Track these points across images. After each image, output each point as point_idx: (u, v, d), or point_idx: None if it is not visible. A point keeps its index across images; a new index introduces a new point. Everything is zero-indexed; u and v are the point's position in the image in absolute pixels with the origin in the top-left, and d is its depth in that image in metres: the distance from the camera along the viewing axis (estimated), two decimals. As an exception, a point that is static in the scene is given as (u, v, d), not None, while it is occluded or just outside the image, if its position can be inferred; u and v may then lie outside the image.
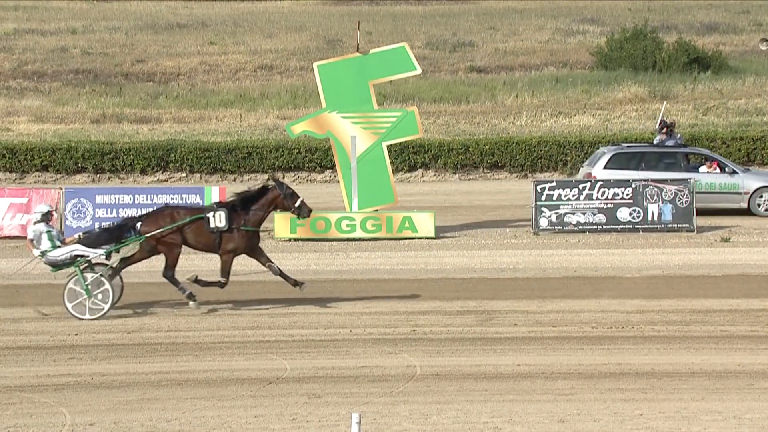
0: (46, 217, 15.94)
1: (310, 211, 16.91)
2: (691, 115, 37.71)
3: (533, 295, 17.22)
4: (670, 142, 25.61)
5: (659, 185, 22.94)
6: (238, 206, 16.35)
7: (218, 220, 16.09)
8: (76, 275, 15.70)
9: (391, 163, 24.64)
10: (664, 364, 13.30)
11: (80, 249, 15.81)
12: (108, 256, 16.10)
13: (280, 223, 22.78)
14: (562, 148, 31.47)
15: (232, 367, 13.29)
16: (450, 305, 16.52)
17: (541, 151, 31.43)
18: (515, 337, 14.71)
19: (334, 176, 29.46)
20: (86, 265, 15.81)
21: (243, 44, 50.51)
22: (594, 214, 22.78)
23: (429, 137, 32.63)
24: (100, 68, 46.84)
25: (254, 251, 16.55)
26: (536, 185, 23.03)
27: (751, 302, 16.62)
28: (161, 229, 16.09)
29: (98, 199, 23.06)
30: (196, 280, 16.22)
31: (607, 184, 23.06)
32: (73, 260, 15.79)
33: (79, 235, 16.23)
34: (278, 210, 17.05)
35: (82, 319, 15.66)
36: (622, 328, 15.14)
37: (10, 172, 31.27)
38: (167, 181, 31.19)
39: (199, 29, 53.88)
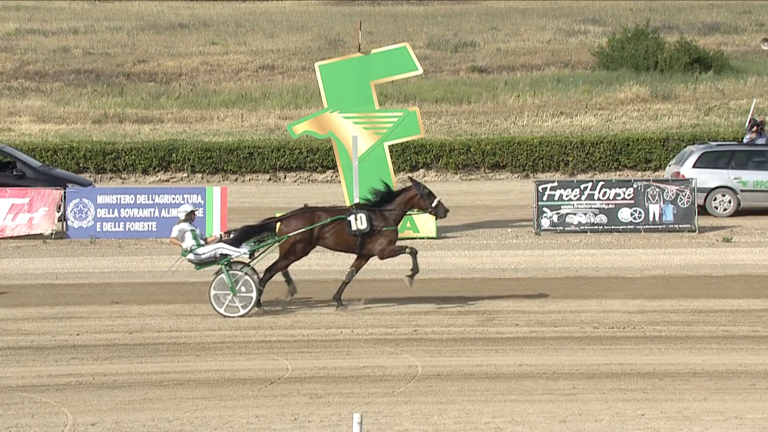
0: (190, 217, 16.07)
1: (447, 210, 16.84)
2: (692, 116, 37.71)
3: (535, 295, 17.22)
4: (761, 141, 25.55)
5: (661, 185, 22.94)
6: (376, 207, 16.35)
7: (359, 222, 16.13)
8: (222, 273, 15.79)
9: (393, 163, 24.65)
10: (665, 364, 13.30)
11: (224, 248, 15.91)
12: (251, 255, 16.10)
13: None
14: (564, 149, 31.47)
15: (234, 367, 13.29)
16: (451, 305, 16.52)
17: (542, 151, 31.44)
18: (517, 337, 14.71)
19: (336, 176, 29.47)
20: (228, 263, 15.89)
21: (244, 44, 50.53)
22: (595, 215, 22.78)
23: (430, 137, 32.64)
24: (101, 68, 46.86)
25: (390, 252, 16.54)
26: (538, 185, 23.03)
27: (752, 302, 16.61)
28: (300, 230, 16.09)
29: (100, 199, 23.07)
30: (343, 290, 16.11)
31: (609, 184, 23.05)
32: (216, 258, 15.89)
33: (221, 234, 16.32)
34: (415, 210, 16.91)
35: (227, 316, 15.74)
36: (624, 328, 15.13)
37: (12, 172, 31.28)
38: (169, 181, 31.21)
39: (201, 29, 53.90)
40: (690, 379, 12.73)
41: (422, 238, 22.26)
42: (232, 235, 16.21)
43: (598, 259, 20.29)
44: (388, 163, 22.88)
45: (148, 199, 23.16)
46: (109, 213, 23.00)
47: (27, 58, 47.66)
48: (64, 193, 22.89)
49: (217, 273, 15.93)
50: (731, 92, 40.82)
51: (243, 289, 15.84)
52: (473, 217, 25.08)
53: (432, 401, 11.93)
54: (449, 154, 31.50)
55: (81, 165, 31.34)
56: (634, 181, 23.36)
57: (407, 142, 27.18)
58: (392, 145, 23.79)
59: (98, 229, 22.88)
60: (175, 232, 16.07)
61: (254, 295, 15.84)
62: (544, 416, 11.43)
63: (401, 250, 16.39)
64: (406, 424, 11.23)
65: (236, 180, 31.37)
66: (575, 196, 22.77)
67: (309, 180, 31.63)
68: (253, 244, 16.13)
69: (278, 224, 16.34)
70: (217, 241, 16.07)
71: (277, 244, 16.17)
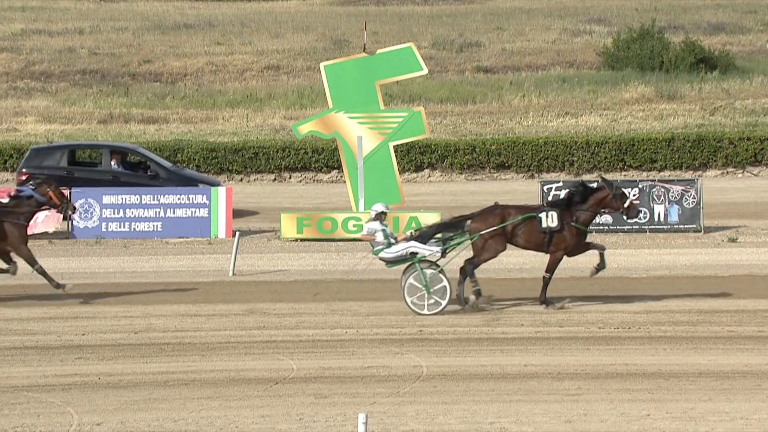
0: (380, 216, 16.20)
1: (639, 212, 16.84)
2: (698, 116, 37.66)
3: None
4: None
5: (666, 185, 22.91)
6: (567, 205, 16.34)
7: (550, 220, 16.12)
8: (416, 271, 15.86)
9: (398, 163, 24.65)
10: (671, 364, 13.28)
11: (415, 246, 16.01)
12: (443, 253, 16.13)
13: (287, 223, 22.79)
14: (569, 149, 31.45)
15: (239, 367, 13.30)
16: (456, 305, 16.51)
17: (547, 151, 31.42)
18: (522, 337, 14.70)
19: (341, 176, 29.47)
20: (420, 260, 15.97)
21: (250, 44, 50.55)
22: (600, 215, 22.73)
23: (436, 137, 32.63)
24: (107, 68, 46.91)
25: (578, 250, 16.56)
26: (543, 185, 23.00)
27: (758, 303, 16.59)
28: (491, 228, 16.09)
29: (105, 199, 23.09)
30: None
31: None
32: (408, 257, 15.98)
33: (411, 233, 16.39)
34: (606, 210, 16.91)
35: (420, 314, 15.81)
36: (629, 328, 15.12)
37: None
38: (174, 181, 31.22)
39: (206, 29, 53.93)
40: (695, 379, 12.71)
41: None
42: (417, 234, 16.26)
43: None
44: (393, 164, 22.88)
45: (154, 200, 23.18)
46: (114, 213, 23.03)
47: (33, 59, 47.72)
48: (69, 192, 22.92)
49: (406, 274, 15.91)
50: (737, 92, 40.76)
51: (436, 286, 15.82)
52: (478, 217, 25.04)
53: (437, 401, 11.93)
54: (454, 154, 31.48)
55: (86, 165, 31.34)
56: (640, 181, 23.32)
57: (412, 142, 27.18)
58: (397, 145, 23.79)
59: (104, 230, 22.90)
60: (366, 229, 16.24)
61: (447, 289, 15.80)
62: (549, 416, 11.42)
63: (589, 247, 16.39)
64: (411, 424, 11.22)
65: (241, 180, 31.38)
66: (580, 196, 22.72)
67: (314, 180, 31.64)
68: (442, 242, 16.15)
69: (469, 222, 16.29)
70: (408, 240, 16.12)
71: (469, 242, 16.16)
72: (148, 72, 46.86)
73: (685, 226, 22.67)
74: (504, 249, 16.38)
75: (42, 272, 16.74)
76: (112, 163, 24.95)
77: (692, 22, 53.77)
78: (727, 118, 37.07)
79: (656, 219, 22.72)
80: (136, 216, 23.06)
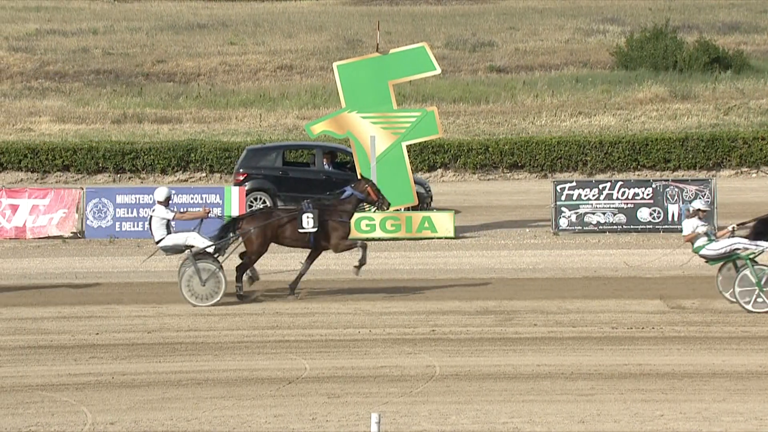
0: (698, 214, 16.11)
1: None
2: (712, 115, 37.55)
3: (553, 295, 17.18)
4: None
5: (680, 185, 22.85)
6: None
7: None
8: (747, 266, 15.82)
9: (411, 163, 24.64)
10: (684, 364, 13.25)
11: (740, 242, 16.03)
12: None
13: (300, 223, 22.79)
14: (582, 148, 31.39)
15: (252, 367, 13.31)
16: (469, 305, 16.51)
17: (561, 151, 31.36)
18: (535, 337, 14.68)
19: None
20: (752, 257, 15.90)
21: (263, 44, 50.61)
22: (614, 214, 22.70)
23: (448, 137, 32.61)
24: (121, 68, 47.03)
25: None
26: (556, 185, 22.98)
27: (772, 303, 16.50)
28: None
29: (119, 199, 23.14)
30: None
31: (628, 183, 22.98)
32: (731, 253, 15.97)
33: (733, 227, 16.30)
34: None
35: (751, 310, 15.65)
36: (643, 328, 15.08)
37: (32, 171, 31.45)
38: (187, 181, 31.29)
39: (220, 29, 54.02)
40: (709, 379, 12.67)
41: (440, 238, 22.24)
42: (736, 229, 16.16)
43: (617, 259, 20.22)
44: (407, 163, 22.87)
45: (167, 199, 23.18)
46: (128, 213, 23.08)
47: (47, 59, 47.88)
48: (83, 192, 22.98)
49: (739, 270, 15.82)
50: (751, 92, 40.61)
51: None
52: (491, 217, 25.04)
53: (450, 401, 11.92)
54: (467, 154, 31.46)
55: (100, 165, 31.46)
56: (653, 181, 23.27)
57: (425, 141, 27.16)
58: (410, 144, 23.77)
59: (117, 229, 22.95)
60: (687, 228, 16.13)
61: None
62: (562, 416, 11.40)
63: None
64: (424, 424, 11.22)
65: (254, 180, 31.39)
66: (594, 196, 22.71)
67: (327, 180, 31.62)
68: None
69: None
70: (730, 236, 16.07)
71: None
72: (162, 72, 46.96)
73: (699, 226, 22.59)
74: None
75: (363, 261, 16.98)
76: (324, 163, 25.04)
77: (706, 22, 53.60)
78: (742, 118, 36.94)
79: (670, 219, 22.66)
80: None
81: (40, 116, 38.84)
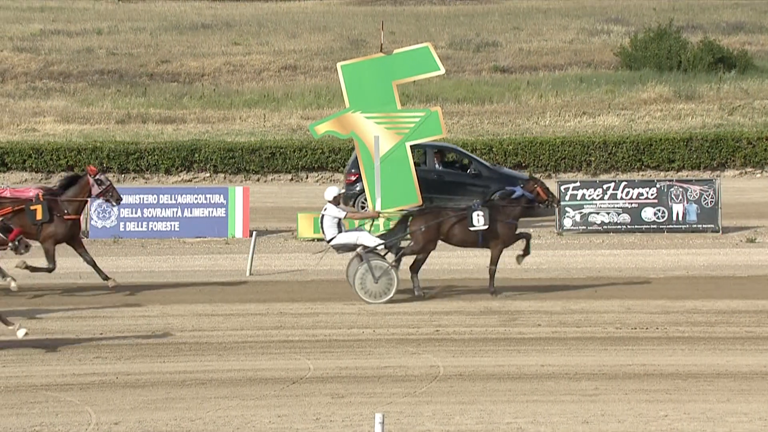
0: None
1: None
2: (716, 116, 37.51)
3: (557, 295, 17.18)
4: None
5: (684, 185, 22.83)
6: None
7: None
8: None
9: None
10: (689, 365, 13.24)
11: None
12: None
13: (304, 222, 22.81)
14: (586, 149, 31.37)
15: (256, 367, 13.32)
16: (473, 305, 16.50)
17: (565, 151, 31.35)
18: (539, 337, 14.68)
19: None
20: None
21: (267, 44, 50.63)
22: (618, 214, 22.69)
23: (452, 137, 32.59)
24: (125, 69, 47.07)
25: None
26: (560, 185, 22.96)
27: (777, 303, 16.51)
28: None
29: (123, 199, 23.12)
30: None
31: (632, 184, 22.96)
32: None
33: None
34: None
35: None
36: (647, 328, 15.07)
37: (37, 172, 31.48)
38: (191, 181, 31.31)
39: (224, 29, 54.04)
40: (714, 380, 12.66)
41: (444, 238, 22.21)
42: None
43: (621, 260, 20.21)
44: (410, 163, 22.86)
45: (171, 199, 23.23)
46: (132, 213, 23.09)
47: (51, 59, 47.93)
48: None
49: None
50: (756, 92, 40.57)
51: None
52: (495, 217, 25.00)
53: (454, 401, 11.92)
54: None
55: (104, 165, 31.48)
56: (657, 181, 23.25)
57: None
58: (414, 145, 23.76)
59: (121, 229, 22.97)
60: None
61: None
62: (566, 417, 11.40)
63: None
64: (427, 425, 11.22)
65: (258, 180, 31.43)
66: (598, 195, 22.70)
67: (331, 180, 31.65)
68: None
69: None
70: None
71: None
72: (166, 72, 47.00)
73: (703, 226, 22.59)
74: None
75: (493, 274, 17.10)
76: (434, 162, 25.07)
77: (710, 22, 53.55)
78: (746, 118, 36.90)
79: (674, 219, 22.64)
80: (154, 216, 23.12)
81: (45, 116, 38.87)
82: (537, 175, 18.19)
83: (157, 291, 17.90)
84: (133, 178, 31.25)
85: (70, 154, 31.43)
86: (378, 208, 22.63)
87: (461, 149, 26.62)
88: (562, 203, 22.66)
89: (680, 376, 12.77)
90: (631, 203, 22.68)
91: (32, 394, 12.35)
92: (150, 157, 31.45)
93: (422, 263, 17.18)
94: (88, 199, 17.95)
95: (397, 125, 22.77)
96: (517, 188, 17.63)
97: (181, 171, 31.50)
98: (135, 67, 47.24)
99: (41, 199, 17.29)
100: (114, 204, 18.44)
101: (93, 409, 11.76)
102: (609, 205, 22.70)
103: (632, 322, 15.43)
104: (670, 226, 22.63)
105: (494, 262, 17.19)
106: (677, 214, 22.67)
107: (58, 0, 61.54)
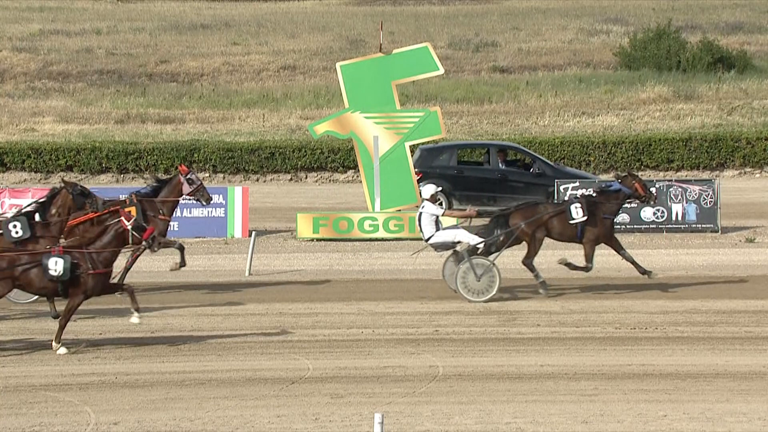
0: None
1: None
2: (715, 115, 37.53)
3: (556, 295, 17.18)
4: None
5: (683, 185, 22.84)
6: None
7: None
8: None
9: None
10: (688, 365, 13.24)
11: None
12: None
13: (303, 222, 22.82)
14: (586, 149, 31.39)
15: (255, 367, 13.32)
16: (472, 305, 16.51)
17: (564, 151, 31.35)
18: (538, 337, 14.68)
19: (357, 176, 29.48)
20: None
21: (266, 44, 50.64)
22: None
23: (452, 137, 32.60)
24: (124, 69, 47.06)
25: None
26: (559, 185, 22.95)
27: (776, 303, 16.51)
28: None
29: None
30: None
31: (631, 184, 22.94)
32: None
33: None
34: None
35: None
36: (646, 328, 15.08)
37: (36, 172, 31.49)
38: (191, 181, 31.29)
39: (223, 30, 54.05)
40: (713, 380, 12.66)
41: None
42: None
43: (620, 260, 20.20)
44: (410, 163, 22.88)
45: (170, 199, 23.18)
46: (131, 213, 23.06)
47: (50, 59, 47.93)
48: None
49: None
50: (754, 92, 40.60)
51: None
52: (494, 218, 25.00)
53: (453, 401, 11.92)
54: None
55: (103, 165, 31.48)
56: (657, 181, 23.24)
57: (428, 142, 27.16)
58: (413, 145, 23.78)
59: (121, 229, 22.94)
60: None
61: None
62: (565, 417, 11.40)
63: None
64: (427, 425, 11.22)
65: (258, 180, 31.44)
66: (597, 196, 22.66)
67: (330, 180, 31.67)
68: None
69: None
70: None
71: None
72: (165, 72, 46.99)
73: (702, 226, 22.59)
74: None
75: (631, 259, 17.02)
76: (498, 161, 25.07)
77: (709, 22, 53.57)
78: (745, 118, 36.93)
79: (673, 218, 22.64)
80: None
81: (44, 116, 38.87)
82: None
83: (156, 291, 17.90)
84: (133, 179, 31.24)
85: (69, 154, 31.43)
86: (377, 208, 22.61)
87: (524, 148, 26.52)
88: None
89: (679, 376, 12.77)
90: (630, 203, 22.67)
91: (31, 394, 12.35)
92: (149, 157, 31.45)
93: (533, 257, 16.94)
94: (179, 199, 17.93)
95: (396, 125, 22.79)
96: (614, 183, 17.48)
97: (181, 171, 31.50)
98: (134, 67, 47.24)
99: (135, 201, 17.31)
100: (204, 203, 18.43)
101: (92, 409, 11.76)
102: (608, 205, 22.67)
103: (631, 322, 15.43)
104: (670, 226, 22.63)
105: (589, 259, 16.96)
106: (676, 214, 22.67)
107: (57, 0, 61.53)
